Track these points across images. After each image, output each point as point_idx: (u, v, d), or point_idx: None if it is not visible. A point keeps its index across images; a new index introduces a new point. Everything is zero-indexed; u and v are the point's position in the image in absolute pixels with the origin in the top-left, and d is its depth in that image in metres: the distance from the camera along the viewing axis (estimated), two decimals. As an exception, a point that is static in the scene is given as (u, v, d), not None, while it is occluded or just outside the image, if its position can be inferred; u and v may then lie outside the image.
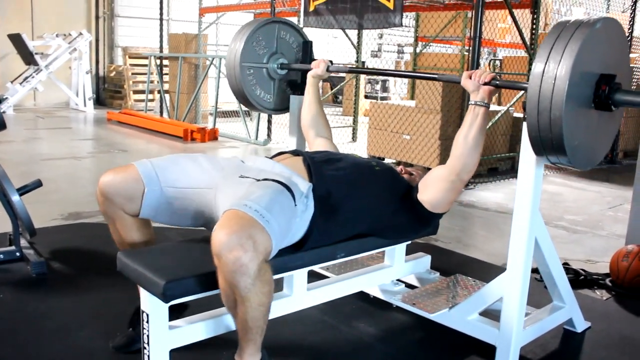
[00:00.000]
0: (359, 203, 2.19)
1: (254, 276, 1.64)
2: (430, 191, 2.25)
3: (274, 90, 3.05)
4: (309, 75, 2.86)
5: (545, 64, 1.77)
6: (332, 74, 3.41)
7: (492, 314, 2.35)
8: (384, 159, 6.78)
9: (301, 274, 2.17)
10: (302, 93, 2.93)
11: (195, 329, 1.95)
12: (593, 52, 1.81)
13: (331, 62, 2.84)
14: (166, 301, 1.77)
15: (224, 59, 9.16)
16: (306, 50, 3.01)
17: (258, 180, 1.98)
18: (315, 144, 2.71)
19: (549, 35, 1.82)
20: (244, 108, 8.49)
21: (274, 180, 1.95)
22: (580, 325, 2.58)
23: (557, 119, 1.75)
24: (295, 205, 1.94)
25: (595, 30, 1.79)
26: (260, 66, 2.98)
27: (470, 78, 2.15)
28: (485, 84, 2.12)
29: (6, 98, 10.17)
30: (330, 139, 2.78)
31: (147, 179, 2.04)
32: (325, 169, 2.16)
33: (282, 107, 3.13)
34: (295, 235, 2.01)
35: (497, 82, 2.13)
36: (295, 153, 2.31)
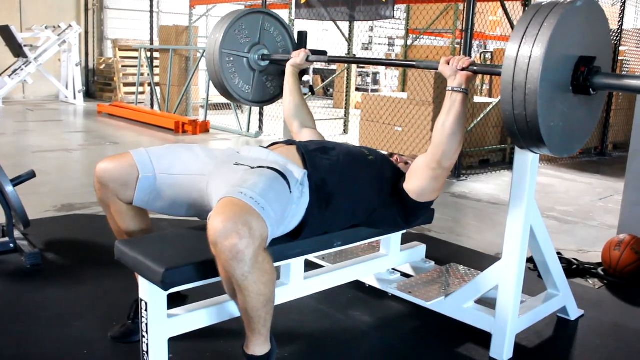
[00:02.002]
0: (353, 191, 2.19)
1: (250, 263, 1.63)
2: (414, 180, 2.23)
3: (253, 82, 3.03)
4: (288, 64, 2.84)
5: (519, 45, 1.72)
6: (325, 67, 3.40)
7: (487, 302, 2.37)
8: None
9: (298, 263, 2.18)
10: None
11: (194, 317, 1.95)
12: (570, 33, 1.76)
13: (311, 52, 2.84)
14: (165, 289, 1.77)
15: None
16: (301, 42, 3.00)
17: (252, 168, 1.98)
18: (302, 135, 2.69)
19: (523, 16, 1.77)
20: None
21: (268, 168, 1.95)
22: (574, 313, 2.60)
23: (531, 103, 1.70)
24: (291, 192, 1.94)
25: (572, 10, 1.73)
26: (240, 55, 2.96)
27: (449, 64, 2.14)
28: (463, 69, 2.10)
29: (-6, 91, 10.10)
30: (315, 128, 2.78)
31: (142, 165, 2.06)
32: (319, 158, 2.17)
33: (261, 99, 3.12)
34: (291, 223, 2.02)
35: (475, 68, 2.10)
36: (289, 142, 2.31)
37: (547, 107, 1.73)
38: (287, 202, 1.92)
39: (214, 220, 1.64)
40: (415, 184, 2.22)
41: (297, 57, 2.81)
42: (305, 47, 2.95)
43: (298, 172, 2.03)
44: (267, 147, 2.28)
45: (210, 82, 8.64)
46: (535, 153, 1.98)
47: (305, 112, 2.80)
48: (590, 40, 1.86)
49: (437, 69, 2.21)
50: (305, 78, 3.01)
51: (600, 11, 1.93)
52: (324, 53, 2.90)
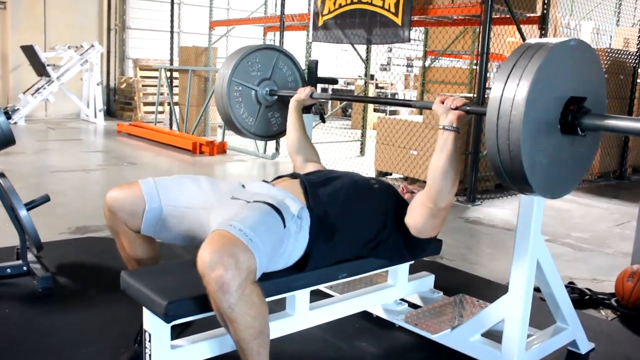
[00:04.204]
0: (358, 221, 2.20)
1: (236, 295, 1.65)
2: (413, 216, 2.22)
3: (257, 115, 3.07)
4: (292, 99, 2.88)
5: (505, 84, 1.72)
6: (344, 87, 3.43)
7: (495, 335, 2.35)
8: (391, 174, 6.79)
9: (303, 294, 2.19)
10: (307, 112, 2.96)
11: (197, 349, 1.96)
12: (559, 72, 1.76)
13: (321, 79, 2.87)
14: (168, 321, 1.79)
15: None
16: (311, 70, 3.03)
17: (248, 202, 2.01)
18: (306, 170, 2.70)
19: (510, 56, 1.77)
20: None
21: (264, 202, 1.97)
22: (584, 346, 2.56)
23: (515, 142, 1.68)
24: (285, 226, 1.95)
25: (560, 50, 1.74)
26: (249, 86, 3.02)
27: (443, 103, 2.14)
28: (455, 108, 2.10)
29: (18, 109, 10.28)
30: (319, 162, 2.80)
31: (149, 196, 2.12)
32: (321, 190, 2.18)
33: (263, 134, 3.16)
34: (293, 257, 2.03)
35: (468, 108, 2.10)
36: (293, 176, 2.33)
37: (531, 143, 1.72)
38: (280, 236, 1.93)
39: (202, 252, 1.68)
40: (414, 220, 2.22)
41: (302, 93, 2.84)
42: (316, 76, 2.98)
43: (295, 207, 2.04)
44: (272, 180, 2.31)
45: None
46: (525, 194, 1.95)
47: (308, 147, 2.83)
48: (581, 81, 1.85)
49: (431, 108, 2.21)
50: (313, 109, 3.04)
51: (592, 52, 1.92)
52: (333, 81, 2.93)
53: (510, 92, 1.70)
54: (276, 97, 3.07)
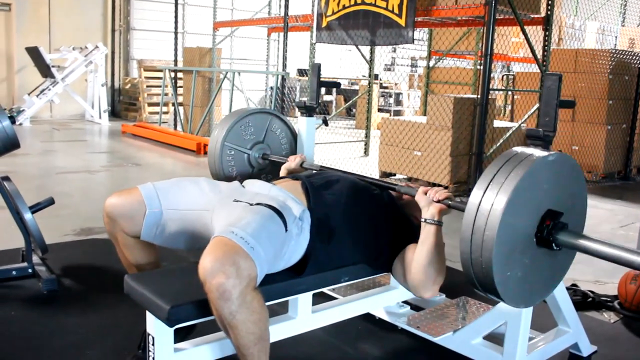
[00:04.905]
0: (356, 225, 2.21)
1: (237, 302, 1.66)
2: (407, 283, 2.22)
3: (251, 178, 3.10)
4: (283, 167, 2.91)
5: (484, 193, 1.72)
6: (348, 87, 3.45)
7: (497, 338, 2.36)
8: (395, 174, 6.80)
9: (305, 297, 2.20)
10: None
11: (201, 352, 1.97)
12: (539, 185, 1.76)
13: (324, 83, 2.89)
14: (171, 325, 1.80)
15: (238, 73, 9.25)
16: (314, 73, 3.04)
17: (251, 204, 2.02)
18: None
19: (492, 165, 1.77)
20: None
21: (266, 205, 1.98)
22: (586, 349, 2.57)
23: (488, 250, 1.67)
24: (287, 230, 1.96)
25: (543, 164, 1.74)
26: (242, 150, 3.06)
27: (426, 194, 2.16)
28: (438, 201, 2.12)
29: (23, 110, 10.31)
30: None
31: (149, 200, 2.13)
32: (323, 193, 2.20)
33: None
34: (292, 258, 2.05)
35: (450, 202, 2.12)
36: (294, 177, 2.34)
37: (505, 255, 1.72)
38: (282, 240, 1.94)
39: (204, 259, 1.69)
40: (407, 286, 2.23)
41: (293, 162, 2.88)
42: (319, 80, 3.00)
43: (297, 209, 2.05)
44: (272, 180, 2.32)
45: (232, 103, 8.78)
46: (494, 299, 1.92)
47: None
48: (560, 196, 1.84)
49: (414, 196, 2.22)
50: (318, 112, 3.07)
51: (575, 167, 1.92)
52: (336, 85, 2.94)
53: (487, 203, 1.70)
54: (268, 161, 3.11)
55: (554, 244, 1.79)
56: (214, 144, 3.02)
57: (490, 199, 1.69)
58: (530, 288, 1.89)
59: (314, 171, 2.74)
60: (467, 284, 1.85)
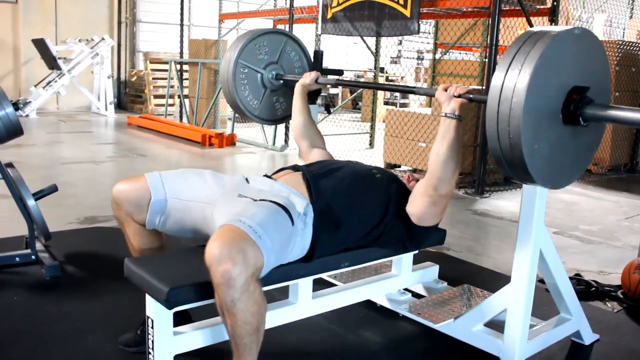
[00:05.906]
0: (360, 212, 2.21)
1: (241, 290, 1.67)
2: (414, 205, 2.22)
3: (262, 98, 3.07)
4: (298, 83, 2.88)
5: (506, 72, 1.71)
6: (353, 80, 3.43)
7: (498, 325, 2.35)
8: (399, 166, 6.79)
9: (306, 283, 2.20)
10: (312, 102, 2.96)
11: (200, 335, 1.98)
12: (561, 61, 1.74)
13: (326, 70, 2.87)
14: (170, 308, 1.80)
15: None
16: (317, 59, 3.03)
17: (255, 200, 2.01)
18: (311, 155, 2.72)
19: (512, 44, 1.76)
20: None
21: (271, 201, 1.98)
22: (588, 337, 2.56)
23: (515, 129, 1.67)
24: (293, 225, 1.97)
25: (564, 38, 1.72)
26: (255, 69, 3.01)
27: (446, 91, 2.15)
28: (458, 96, 2.11)
29: (30, 102, 10.33)
30: (325, 148, 2.80)
31: (154, 188, 2.14)
32: (324, 182, 2.19)
33: (268, 118, 3.15)
34: (299, 252, 2.05)
35: (470, 96, 2.10)
36: (295, 168, 2.33)
37: (532, 131, 1.70)
38: (289, 234, 1.95)
39: (211, 245, 1.69)
40: (415, 208, 2.22)
41: (307, 78, 2.85)
42: (321, 66, 2.98)
43: (300, 204, 2.05)
44: (273, 174, 2.32)
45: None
46: (526, 183, 1.93)
47: (314, 132, 2.82)
48: (584, 70, 1.84)
49: (434, 95, 2.22)
50: (319, 101, 3.04)
51: (597, 42, 1.90)
52: (339, 72, 2.93)
53: (511, 80, 1.70)
54: (282, 81, 3.07)
55: (581, 119, 1.78)
56: (227, 63, 2.96)
57: (513, 78, 1.68)
58: (557, 167, 1.88)
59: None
60: (499, 169, 1.81)
